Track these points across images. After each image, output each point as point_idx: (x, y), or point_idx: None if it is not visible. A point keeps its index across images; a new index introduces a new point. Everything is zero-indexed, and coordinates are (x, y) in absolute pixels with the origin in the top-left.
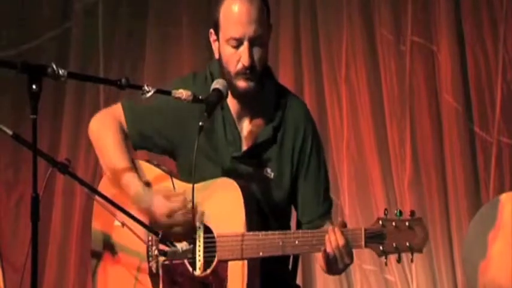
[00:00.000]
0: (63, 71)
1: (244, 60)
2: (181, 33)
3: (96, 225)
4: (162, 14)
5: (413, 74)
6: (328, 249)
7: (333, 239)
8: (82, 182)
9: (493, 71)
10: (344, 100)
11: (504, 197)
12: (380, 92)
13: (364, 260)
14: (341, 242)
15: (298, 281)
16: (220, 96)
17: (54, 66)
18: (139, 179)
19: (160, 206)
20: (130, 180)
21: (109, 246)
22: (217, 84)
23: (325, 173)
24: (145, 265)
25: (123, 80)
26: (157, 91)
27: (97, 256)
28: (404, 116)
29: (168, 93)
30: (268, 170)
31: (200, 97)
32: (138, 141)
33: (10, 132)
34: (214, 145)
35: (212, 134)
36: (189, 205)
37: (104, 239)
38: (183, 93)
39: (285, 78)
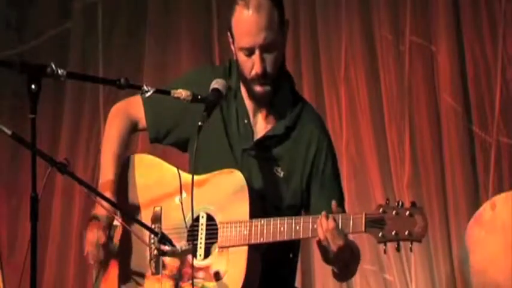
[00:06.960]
0: (62, 70)
1: (257, 68)
2: (181, 33)
3: None
4: (162, 14)
5: (412, 74)
6: (319, 232)
7: (324, 222)
8: (81, 182)
9: (492, 71)
10: (343, 100)
11: (503, 197)
12: (379, 92)
13: (363, 259)
14: (331, 224)
15: (297, 283)
16: (219, 96)
17: (54, 66)
18: (113, 175)
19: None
20: (105, 172)
21: (112, 254)
22: (217, 84)
23: (340, 184)
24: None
25: (123, 80)
26: (157, 91)
27: (100, 265)
28: (404, 116)
29: (167, 93)
30: (278, 169)
31: (199, 97)
32: (156, 133)
33: (9, 132)
34: (230, 137)
35: (228, 128)
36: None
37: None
38: (182, 93)
39: None
